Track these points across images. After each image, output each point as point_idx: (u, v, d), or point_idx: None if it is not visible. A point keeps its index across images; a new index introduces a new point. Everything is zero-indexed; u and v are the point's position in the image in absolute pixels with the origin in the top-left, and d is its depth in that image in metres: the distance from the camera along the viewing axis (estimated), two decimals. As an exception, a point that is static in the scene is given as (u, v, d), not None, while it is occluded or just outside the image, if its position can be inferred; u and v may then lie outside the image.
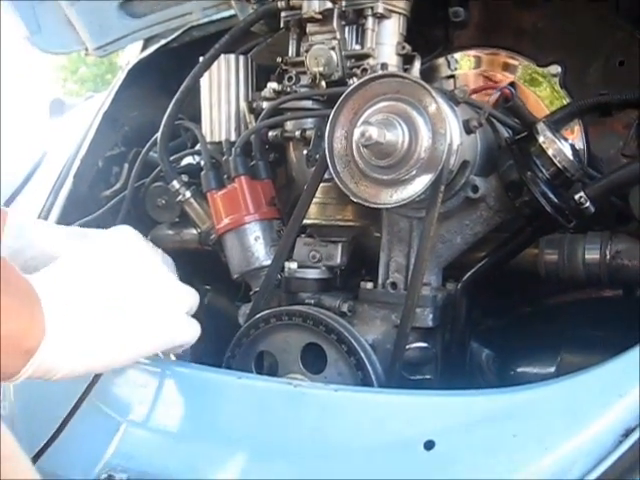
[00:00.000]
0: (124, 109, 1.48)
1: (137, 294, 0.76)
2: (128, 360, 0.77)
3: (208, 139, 1.19)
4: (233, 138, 1.16)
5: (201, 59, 1.16)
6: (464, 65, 1.17)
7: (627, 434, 0.64)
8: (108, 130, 1.46)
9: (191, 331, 0.85)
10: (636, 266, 0.93)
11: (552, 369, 0.95)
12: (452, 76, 1.16)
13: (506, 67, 1.13)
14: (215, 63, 1.17)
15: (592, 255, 0.95)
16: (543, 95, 1.09)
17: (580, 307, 1.06)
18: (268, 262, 1.03)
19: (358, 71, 1.01)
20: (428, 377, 0.94)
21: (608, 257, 0.94)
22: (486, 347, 1.01)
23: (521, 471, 0.65)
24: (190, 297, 0.85)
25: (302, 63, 1.05)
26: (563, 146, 0.90)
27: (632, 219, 0.94)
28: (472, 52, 1.15)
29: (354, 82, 0.96)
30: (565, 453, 0.65)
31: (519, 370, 0.98)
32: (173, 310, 0.81)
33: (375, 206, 0.88)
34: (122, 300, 0.74)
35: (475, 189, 0.92)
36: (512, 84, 1.08)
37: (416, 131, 0.85)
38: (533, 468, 0.65)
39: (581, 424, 0.65)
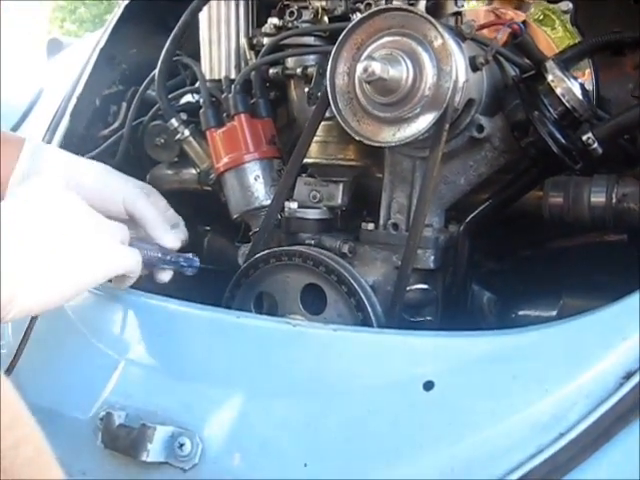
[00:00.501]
0: (121, 46, 1.44)
1: (67, 231, 0.78)
2: (77, 292, 0.79)
3: (207, 76, 1.16)
4: (233, 75, 1.13)
5: (200, -6, 1.12)
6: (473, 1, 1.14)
7: (628, 376, 0.63)
8: (105, 68, 1.42)
9: (131, 258, 0.87)
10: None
11: (554, 312, 0.94)
12: (459, 13, 1.13)
13: (517, 4, 1.09)
14: (214, -2, 1.14)
15: (598, 198, 0.93)
16: (555, 36, 1.06)
17: (583, 251, 1.04)
18: (268, 202, 1.02)
19: (362, 6, 0.98)
20: (429, 319, 0.94)
21: (614, 200, 0.92)
22: (488, 290, 1.00)
23: (521, 412, 0.65)
24: (119, 229, 0.86)
25: (304, -3, 1.01)
26: (572, 85, 0.87)
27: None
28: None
29: (357, 17, 0.93)
30: (565, 395, 0.64)
31: (520, 313, 0.97)
32: (105, 240, 0.82)
33: (377, 144, 0.86)
34: (55, 239, 0.76)
35: (480, 128, 0.89)
36: (523, 22, 1.05)
37: (421, 67, 0.83)
38: (533, 409, 0.64)
39: (582, 366, 0.64)
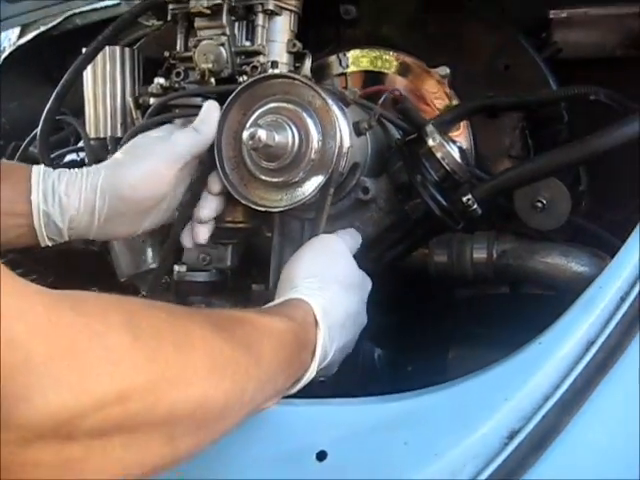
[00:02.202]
0: (1, 100, 1.40)
1: None
2: None
3: (92, 135, 1.13)
4: (119, 134, 1.11)
5: (84, 50, 1.11)
6: (357, 63, 1.17)
7: (512, 436, 0.66)
8: (-18, 122, 1.38)
9: None
10: (520, 265, 0.96)
11: (442, 366, 0.96)
12: (344, 74, 1.16)
13: (397, 67, 1.13)
14: (99, 55, 1.12)
15: (479, 255, 0.97)
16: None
17: (470, 304, 1.08)
18: (156, 265, 1.00)
19: (248, 68, 0.98)
20: (322, 379, 0.94)
21: (495, 256, 0.97)
22: (379, 346, 1.02)
23: (413, 478, 0.65)
24: None
25: (190, 58, 1.01)
26: (451, 149, 0.91)
27: (518, 218, 0.98)
28: (363, 50, 1.15)
29: (244, 79, 0.94)
30: (454, 457, 0.65)
31: (411, 369, 0.99)
32: None
33: (265, 209, 0.87)
34: None
35: (366, 191, 0.92)
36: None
37: (306, 133, 0.85)
38: (425, 475, 0.65)
39: (468, 428, 0.66)
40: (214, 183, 0.91)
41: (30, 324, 0.44)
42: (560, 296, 0.89)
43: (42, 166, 0.89)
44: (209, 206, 0.92)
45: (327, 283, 0.80)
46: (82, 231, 0.90)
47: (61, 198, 0.86)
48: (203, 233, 0.93)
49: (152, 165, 0.88)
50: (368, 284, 0.89)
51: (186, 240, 0.94)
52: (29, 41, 1.42)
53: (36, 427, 0.44)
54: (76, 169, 0.90)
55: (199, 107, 1.01)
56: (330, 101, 0.84)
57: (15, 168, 0.92)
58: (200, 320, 0.61)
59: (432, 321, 1.06)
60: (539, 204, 0.93)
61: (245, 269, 1.03)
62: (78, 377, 0.45)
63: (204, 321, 0.61)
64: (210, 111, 0.91)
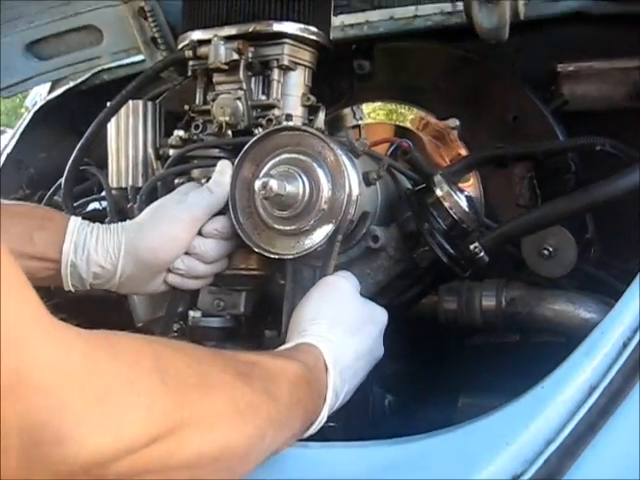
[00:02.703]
0: (30, 151, 1.46)
1: None
2: None
3: (114, 185, 1.18)
4: (140, 184, 1.15)
5: (108, 104, 1.16)
6: (370, 115, 1.21)
7: (515, 480, 0.66)
8: (13, 172, 1.43)
9: None
10: (529, 312, 0.97)
11: (452, 413, 0.97)
12: (357, 126, 1.20)
13: (411, 120, 1.17)
14: (123, 108, 1.17)
15: (488, 302, 0.99)
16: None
17: (480, 352, 1.09)
18: (172, 311, 1.03)
19: (264, 121, 1.02)
20: (331, 425, 0.95)
21: (504, 304, 0.98)
22: (389, 392, 1.03)
23: (417, 522, 0.66)
24: None
25: (209, 112, 1.05)
26: (459, 199, 0.94)
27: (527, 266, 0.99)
28: (377, 104, 1.19)
29: (260, 132, 0.97)
30: (455, 503, 0.66)
31: (421, 415, 1.00)
32: None
33: (277, 257, 0.90)
34: None
35: (375, 239, 0.94)
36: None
37: (316, 183, 0.87)
38: (427, 518, 0.66)
39: (471, 472, 0.67)
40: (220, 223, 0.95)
41: (67, 373, 0.46)
42: (569, 343, 0.89)
43: (79, 219, 0.94)
44: (217, 247, 0.95)
45: (335, 325, 0.82)
46: (104, 285, 0.95)
47: (90, 253, 0.91)
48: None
49: (171, 230, 0.92)
50: (382, 317, 0.90)
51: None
52: (58, 96, 1.48)
53: (69, 470, 0.46)
54: (105, 225, 0.95)
55: (216, 158, 1.06)
56: (339, 152, 0.87)
57: (55, 216, 0.98)
58: (221, 364, 0.63)
59: (442, 368, 1.07)
60: (546, 252, 0.94)
61: (259, 316, 1.05)
62: (112, 423, 0.48)
63: (225, 365, 0.64)
64: (223, 172, 0.95)
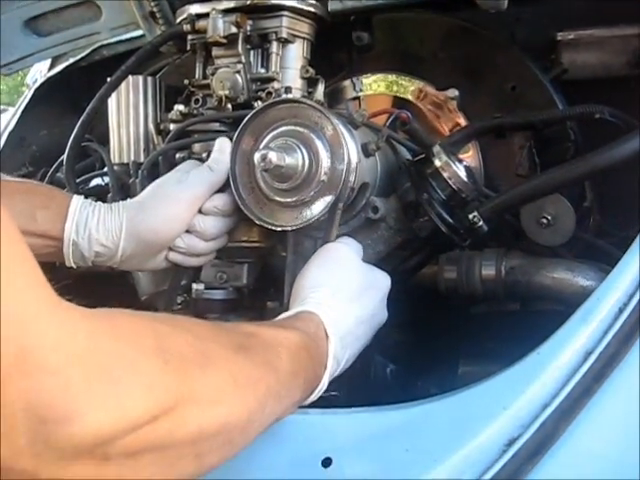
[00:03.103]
0: (32, 128, 1.47)
1: None
2: None
3: (116, 160, 1.19)
4: (142, 159, 1.16)
5: (109, 80, 1.16)
6: (370, 87, 1.21)
7: (510, 444, 0.68)
8: (15, 150, 1.44)
9: None
10: (528, 281, 0.98)
11: (452, 381, 0.98)
12: (357, 98, 1.20)
13: (411, 91, 1.17)
14: (123, 84, 1.17)
15: (488, 271, 1.00)
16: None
17: (480, 320, 1.10)
18: (176, 283, 1.04)
19: (263, 94, 1.03)
20: (334, 394, 0.96)
21: (503, 273, 0.99)
22: (391, 361, 1.04)
23: (413, 483, 0.68)
24: None
25: (208, 86, 1.06)
26: (458, 169, 0.94)
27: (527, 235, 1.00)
28: (377, 76, 1.19)
29: (259, 105, 0.98)
30: (454, 464, 0.68)
31: (421, 383, 1.01)
32: None
33: (279, 229, 0.91)
34: None
35: (375, 210, 0.95)
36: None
37: (315, 154, 0.88)
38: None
39: (468, 436, 0.68)
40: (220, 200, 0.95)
41: (70, 353, 0.47)
42: (568, 311, 0.90)
43: (81, 198, 0.95)
44: (216, 225, 0.96)
45: (336, 291, 0.83)
46: (106, 263, 0.96)
47: (91, 233, 0.92)
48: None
49: (172, 209, 0.93)
50: (384, 282, 0.91)
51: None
52: (59, 72, 1.49)
53: (74, 448, 0.47)
54: (107, 205, 0.95)
55: (217, 132, 1.06)
56: (338, 123, 0.88)
57: (57, 194, 0.98)
58: (221, 339, 0.65)
59: (443, 337, 1.08)
60: (544, 220, 0.95)
61: (261, 288, 1.06)
62: (115, 402, 0.49)
63: (225, 340, 0.65)
64: (222, 150, 0.95)
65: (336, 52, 1.19)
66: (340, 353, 0.80)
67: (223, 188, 0.95)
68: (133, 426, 0.50)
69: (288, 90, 1.02)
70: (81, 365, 0.47)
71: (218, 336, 0.66)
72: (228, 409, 0.60)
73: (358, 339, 0.85)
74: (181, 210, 0.93)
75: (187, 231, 0.95)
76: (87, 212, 0.93)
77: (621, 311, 0.72)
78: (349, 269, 0.87)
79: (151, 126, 1.16)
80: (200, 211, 0.94)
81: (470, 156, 1.10)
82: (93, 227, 0.92)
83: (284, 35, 1.04)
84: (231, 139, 0.95)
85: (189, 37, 1.09)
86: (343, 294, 0.83)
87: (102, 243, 0.93)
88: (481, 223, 0.93)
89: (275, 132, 0.90)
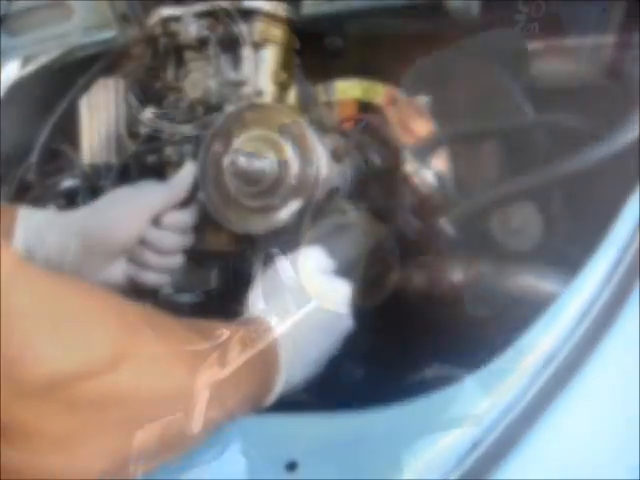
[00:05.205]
0: (2, 129, 1.45)
1: None
2: None
3: (88, 161, 1.18)
4: (113, 161, 1.16)
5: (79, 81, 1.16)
6: (342, 92, 1.21)
7: (475, 446, 0.68)
8: (-16, 151, 1.42)
9: None
10: (498, 287, 0.99)
11: (419, 385, 0.99)
12: (329, 103, 1.20)
13: (383, 97, 1.17)
14: (94, 86, 1.17)
15: (457, 277, 1.00)
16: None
17: (449, 326, 1.10)
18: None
19: (235, 98, 1.03)
20: (301, 398, 0.96)
21: (472, 279, 1.00)
22: (360, 366, 1.04)
23: (378, 487, 0.68)
24: None
25: (180, 89, 1.06)
26: (427, 174, 0.95)
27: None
28: (349, 82, 1.20)
29: (230, 109, 0.98)
30: (418, 468, 0.68)
31: (390, 388, 1.02)
32: None
33: (247, 232, 0.90)
34: None
35: (345, 215, 0.95)
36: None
37: (285, 159, 0.88)
38: (389, 484, 0.68)
39: (432, 439, 0.69)
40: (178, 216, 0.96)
41: (29, 302, 0.50)
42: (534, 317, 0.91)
43: (27, 212, 0.94)
44: (172, 241, 0.97)
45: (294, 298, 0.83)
46: (59, 269, 0.94)
47: (44, 240, 0.92)
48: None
49: (123, 212, 0.93)
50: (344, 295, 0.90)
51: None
52: (30, 74, 1.47)
53: (31, 384, 0.49)
54: (58, 212, 0.96)
55: (187, 136, 1.06)
56: (308, 128, 0.88)
57: (4, 211, 0.97)
58: (180, 323, 0.68)
59: (411, 342, 1.09)
60: (513, 226, 0.96)
61: (231, 292, 1.06)
62: (70, 340, 0.52)
63: (184, 325, 0.69)
64: (187, 172, 0.96)
65: (308, 57, 1.19)
66: (294, 359, 0.80)
67: (184, 206, 0.95)
68: (93, 371, 0.52)
69: (259, 94, 1.03)
70: (36, 311, 0.51)
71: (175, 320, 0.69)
72: (183, 375, 0.62)
73: (317, 347, 0.85)
74: (132, 213, 0.93)
75: (142, 244, 0.95)
76: (38, 220, 0.93)
77: (584, 315, 0.73)
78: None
79: (122, 128, 1.16)
80: (157, 225, 0.94)
81: (439, 162, 1.10)
82: (45, 233, 0.92)
83: (256, 39, 1.04)
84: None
85: (162, 39, 1.09)
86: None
87: (53, 248, 0.92)
88: (450, 229, 0.93)
89: (245, 136, 0.90)
